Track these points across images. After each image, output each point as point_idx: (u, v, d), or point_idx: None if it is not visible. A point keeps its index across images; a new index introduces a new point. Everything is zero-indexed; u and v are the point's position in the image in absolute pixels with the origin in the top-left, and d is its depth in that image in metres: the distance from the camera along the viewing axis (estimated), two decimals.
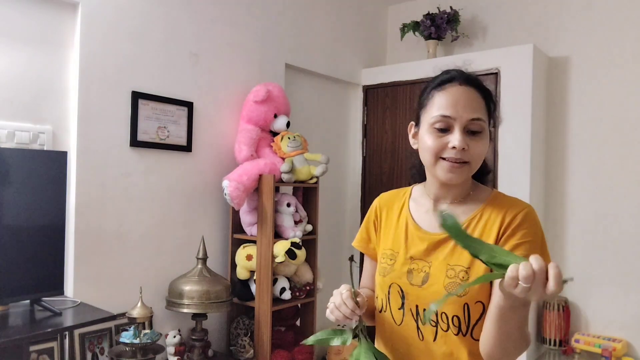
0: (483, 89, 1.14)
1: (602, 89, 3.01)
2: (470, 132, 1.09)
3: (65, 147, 2.12)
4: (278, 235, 2.62)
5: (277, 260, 2.45)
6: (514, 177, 2.96)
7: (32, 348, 1.90)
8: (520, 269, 0.81)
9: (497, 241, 1.07)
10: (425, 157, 1.13)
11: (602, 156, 2.99)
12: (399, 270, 1.17)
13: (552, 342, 2.95)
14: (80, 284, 2.12)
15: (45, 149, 2.04)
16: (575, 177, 3.09)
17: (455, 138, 1.07)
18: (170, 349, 2.32)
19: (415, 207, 1.23)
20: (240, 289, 2.60)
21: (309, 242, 2.73)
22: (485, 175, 1.22)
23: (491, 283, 1.06)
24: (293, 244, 2.47)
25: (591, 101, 3.05)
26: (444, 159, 1.09)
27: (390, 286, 1.18)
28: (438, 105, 1.11)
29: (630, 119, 2.91)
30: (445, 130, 1.09)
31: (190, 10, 2.55)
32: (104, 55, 2.21)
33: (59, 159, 1.88)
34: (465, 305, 1.07)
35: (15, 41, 2.01)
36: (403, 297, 1.15)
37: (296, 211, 2.69)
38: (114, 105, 2.25)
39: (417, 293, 1.13)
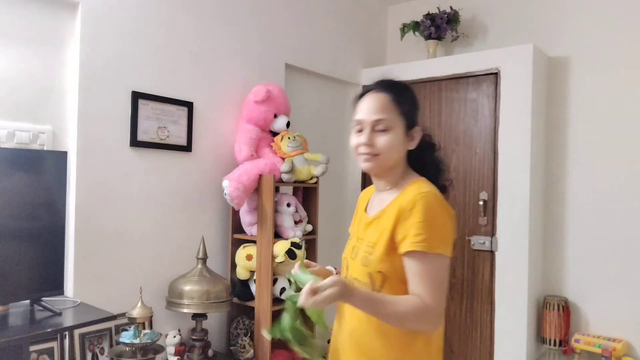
0: (396, 93, 1.35)
1: (602, 88, 3.01)
2: (378, 130, 1.31)
3: (65, 147, 2.12)
4: (278, 235, 2.62)
5: (277, 260, 2.45)
6: (514, 177, 2.96)
7: (32, 348, 1.90)
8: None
9: (396, 222, 1.25)
10: (353, 154, 1.38)
11: (602, 156, 2.99)
12: (349, 247, 1.44)
13: (552, 342, 2.95)
14: (80, 284, 2.12)
15: (45, 149, 2.04)
16: (575, 177, 3.09)
17: (362, 137, 1.32)
18: (170, 349, 2.32)
19: (373, 195, 1.47)
20: (240, 289, 2.60)
21: (309, 242, 2.73)
22: (428, 159, 1.40)
23: (392, 255, 1.26)
24: (293, 244, 2.47)
25: (591, 101, 3.04)
26: (360, 153, 1.33)
27: (343, 260, 1.47)
28: (356, 112, 1.36)
29: (631, 118, 2.91)
30: (360, 131, 1.33)
31: (190, 10, 2.55)
32: (104, 55, 2.21)
33: (59, 159, 1.88)
34: (369, 275, 1.30)
35: (15, 41, 2.00)
36: (347, 269, 1.42)
37: (296, 211, 2.69)
38: (114, 105, 2.25)
39: (351, 264, 1.39)
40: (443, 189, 1.35)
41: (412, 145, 1.35)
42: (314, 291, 1.12)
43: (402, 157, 1.35)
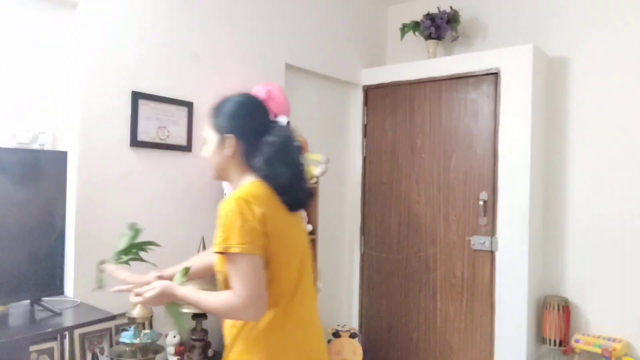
0: (212, 111, 1.54)
1: (602, 88, 3.00)
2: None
3: (65, 147, 2.12)
4: None
5: None
6: (514, 177, 2.96)
7: (32, 348, 1.89)
8: None
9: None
10: None
11: (602, 156, 2.99)
12: None
13: (552, 342, 2.95)
14: (80, 284, 2.11)
15: (45, 149, 2.04)
16: (575, 177, 3.09)
17: None
18: (170, 349, 2.33)
19: None
20: None
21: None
22: (254, 167, 1.45)
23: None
24: None
25: (591, 101, 3.04)
26: None
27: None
28: None
29: (631, 118, 2.91)
30: None
31: (190, 10, 2.55)
32: (104, 55, 2.21)
33: (59, 159, 1.88)
34: (219, 273, 1.45)
35: (15, 41, 2.01)
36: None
37: None
38: (114, 105, 2.25)
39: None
40: (280, 184, 1.42)
41: (229, 152, 1.45)
42: (138, 294, 1.42)
43: (231, 163, 1.47)
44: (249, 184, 1.41)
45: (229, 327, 1.45)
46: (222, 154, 1.47)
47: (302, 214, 2.71)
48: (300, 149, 1.50)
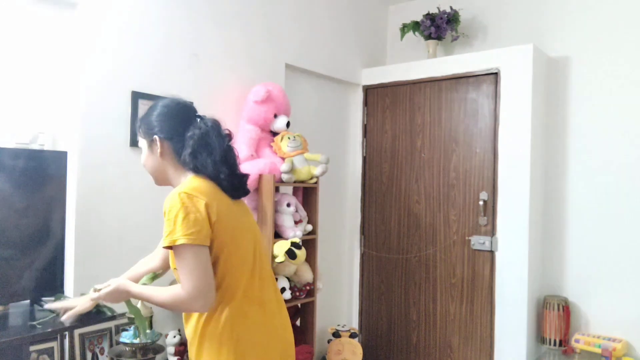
0: (140, 120, 1.58)
1: (602, 88, 3.01)
2: None
3: (65, 147, 2.12)
4: (278, 235, 2.62)
5: (277, 260, 2.45)
6: (514, 177, 2.96)
7: (32, 348, 1.89)
8: None
9: None
10: None
11: (602, 156, 2.99)
12: None
13: (552, 342, 2.95)
14: (80, 284, 2.11)
15: (45, 149, 2.04)
16: (575, 177, 3.09)
17: None
18: (170, 349, 2.33)
19: None
20: None
21: (309, 242, 2.73)
22: (184, 163, 1.49)
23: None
24: (293, 244, 2.47)
25: (591, 101, 3.04)
26: None
27: None
28: None
29: (631, 118, 2.91)
30: None
31: (190, 10, 2.55)
32: (104, 55, 2.21)
33: (59, 159, 1.88)
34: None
35: (15, 41, 2.01)
36: None
37: (296, 211, 2.69)
38: (114, 105, 2.25)
39: None
40: (210, 174, 1.46)
41: (158, 153, 1.51)
42: (96, 290, 1.53)
43: (166, 165, 1.52)
44: (189, 180, 1.47)
45: (194, 325, 1.47)
46: (155, 157, 1.53)
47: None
48: (225, 138, 1.53)
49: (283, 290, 2.55)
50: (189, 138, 1.48)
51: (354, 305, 3.71)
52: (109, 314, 1.83)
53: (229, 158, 1.51)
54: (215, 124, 1.52)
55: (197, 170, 1.46)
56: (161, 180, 1.57)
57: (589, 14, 3.06)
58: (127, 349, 2.02)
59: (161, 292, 1.42)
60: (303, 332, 2.80)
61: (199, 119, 1.53)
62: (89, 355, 2.12)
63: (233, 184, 1.50)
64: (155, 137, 1.50)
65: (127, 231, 2.30)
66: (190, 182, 1.44)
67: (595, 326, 2.99)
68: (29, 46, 2.05)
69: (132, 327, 2.05)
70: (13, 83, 2.01)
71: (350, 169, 3.72)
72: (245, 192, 1.57)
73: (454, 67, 3.24)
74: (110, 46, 2.23)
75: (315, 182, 2.73)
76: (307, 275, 2.72)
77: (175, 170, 1.52)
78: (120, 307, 2.15)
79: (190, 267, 1.34)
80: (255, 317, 1.46)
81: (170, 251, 1.43)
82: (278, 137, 2.69)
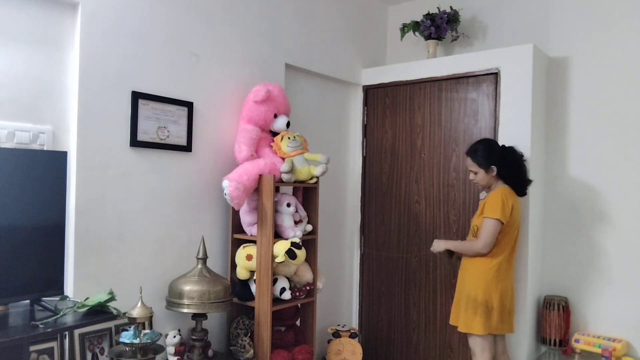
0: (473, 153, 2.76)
1: (602, 88, 3.01)
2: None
3: (65, 147, 2.12)
4: (278, 235, 2.62)
5: (277, 260, 2.45)
6: None
7: (32, 348, 1.89)
8: None
9: (480, 209, 2.75)
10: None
11: (602, 156, 3.00)
12: None
13: (552, 342, 2.95)
14: (80, 284, 2.12)
15: (45, 149, 2.04)
16: (575, 177, 3.09)
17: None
18: (170, 349, 2.33)
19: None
20: (240, 289, 2.60)
21: (309, 242, 2.73)
22: (502, 177, 2.71)
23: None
24: (293, 244, 2.47)
25: (591, 101, 3.05)
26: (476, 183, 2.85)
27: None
28: None
29: (630, 118, 2.91)
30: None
31: (190, 10, 2.55)
32: (104, 55, 2.21)
33: (59, 159, 1.88)
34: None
35: (15, 41, 2.01)
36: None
37: (296, 211, 2.69)
38: (114, 105, 2.25)
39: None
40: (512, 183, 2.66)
41: (493, 172, 2.65)
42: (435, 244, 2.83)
43: (492, 178, 2.67)
44: (503, 187, 2.61)
45: (475, 271, 2.60)
46: (489, 176, 2.66)
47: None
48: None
49: (283, 290, 2.55)
50: (504, 166, 2.65)
51: (354, 305, 3.71)
52: (114, 312, 1.88)
53: (524, 167, 2.73)
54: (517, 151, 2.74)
55: (508, 182, 2.65)
56: (485, 186, 2.71)
57: (589, 14, 3.06)
58: (127, 349, 2.02)
59: (466, 244, 2.66)
60: (303, 332, 2.80)
61: (508, 149, 2.71)
62: (89, 355, 2.12)
63: (523, 188, 2.71)
64: (492, 167, 2.63)
65: (127, 231, 2.30)
66: (505, 190, 2.60)
67: (595, 326, 2.99)
68: (30, 46, 2.04)
69: (132, 327, 2.05)
70: (13, 83, 2.00)
71: (350, 169, 3.72)
72: (525, 193, 2.74)
73: (454, 67, 3.24)
74: (110, 46, 2.23)
75: (315, 182, 2.73)
76: (307, 275, 2.72)
77: (494, 182, 2.68)
78: (122, 307, 2.16)
79: (488, 233, 2.52)
80: (508, 273, 2.62)
81: (480, 217, 2.59)
82: (278, 137, 2.69)
